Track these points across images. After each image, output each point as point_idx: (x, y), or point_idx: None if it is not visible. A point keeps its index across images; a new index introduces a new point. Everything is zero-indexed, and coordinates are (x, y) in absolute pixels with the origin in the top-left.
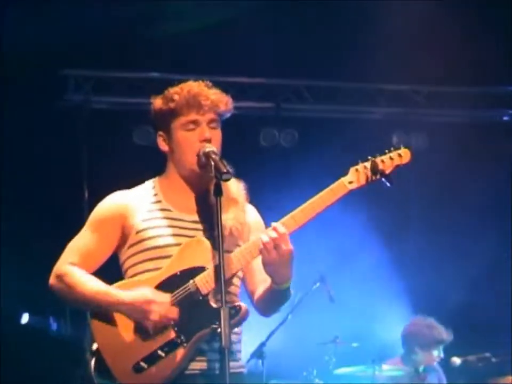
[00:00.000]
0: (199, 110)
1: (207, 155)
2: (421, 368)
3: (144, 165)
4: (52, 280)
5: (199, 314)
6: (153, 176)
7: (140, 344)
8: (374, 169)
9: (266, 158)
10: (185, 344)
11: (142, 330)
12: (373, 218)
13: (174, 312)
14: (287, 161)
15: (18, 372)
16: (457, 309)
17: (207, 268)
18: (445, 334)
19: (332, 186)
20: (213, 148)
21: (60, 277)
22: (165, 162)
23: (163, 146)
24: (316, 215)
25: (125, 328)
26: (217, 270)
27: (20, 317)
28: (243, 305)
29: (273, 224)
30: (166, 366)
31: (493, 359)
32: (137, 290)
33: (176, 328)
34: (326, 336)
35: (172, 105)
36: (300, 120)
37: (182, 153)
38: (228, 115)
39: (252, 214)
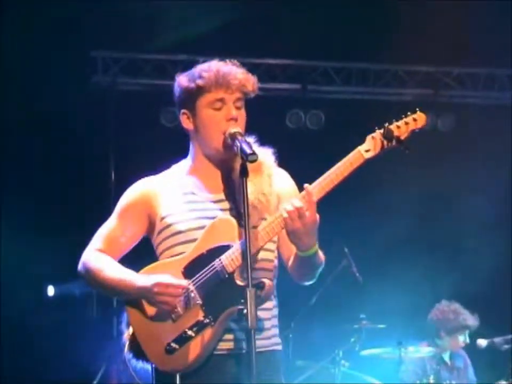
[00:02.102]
0: (227, 89)
1: (233, 136)
2: (447, 354)
3: (171, 146)
4: (79, 266)
5: (225, 293)
6: (179, 158)
7: (170, 326)
8: (389, 136)
9: (292, 139)
10: (213, 324)
11: (172, 312)
12: (399, 198)
13: (178, 290)
14: (313, 143)
15: (46, 351)
16: (484, 290)
17: (233, 246)
18: (471, 320)
19: (349, 157)
20: (239, 128)
21: (85, 264)
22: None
23: (187, 124)
24: (334, 187)
25: (154, 310)
26: (242, 247)
27: (45, 290)
28: (266, 281)
29: (300, 193)
30: (196, 346)
31: None
32: (155, 275)
33: (204, 308)
34: (352, 317)
35: (200, 82)
36: (327, 102)
37: (208, 132)
38: (253, 95)
39: (281, 180)
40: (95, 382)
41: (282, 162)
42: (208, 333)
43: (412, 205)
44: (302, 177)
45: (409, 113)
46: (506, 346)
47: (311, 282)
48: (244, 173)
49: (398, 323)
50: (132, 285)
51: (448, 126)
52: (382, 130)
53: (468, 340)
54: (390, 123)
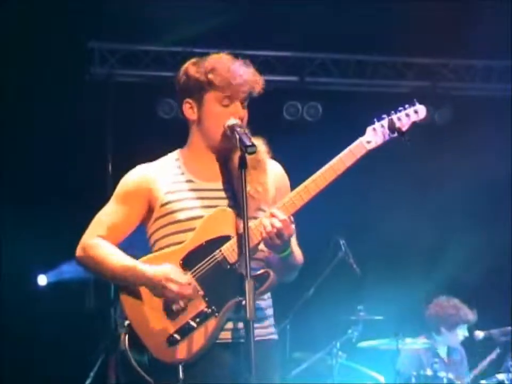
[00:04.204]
0: (238, 90)
1: (232, 128)
2: (444, 349)
3: (167, 138)
4: (79, 252)
5: (228, 284)
6: (176, 149)
7: (171, 317)
8: (391, 127)
9: (289, 131)
10: (216, 314)
11: (173, 303)
12: (396, 190)
13: (189, 290)
14: (310, 135)
15: (43, 342)
16: (481, 282)
17: (233, 237)
18: (470, 315)
19: (351, 147)
20: (238, 121)
21: (86, 250)
22: (187, 132)
23: (190, 114)
24: (336, 178)
25: (155, 301)
26: (241, 239)
27: (35, 279)
28: (271, 271)
29: (273, 211)
30: (199, 336)
31: None
32: (161, 266)
33: (206, 299)
34: (349, 309)
35: (212, 77)
36: (324, 94)
37: (213, 126)
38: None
39: (275, 171)
40: (92, 373)
41: (279, 153)
42: (211, 323)
43: (409, 197)
44: (298, 169)
45: (407, 105)
46: (503, 338)
47: (290, 280)
48: (243, 165)
49: (396, 315)
50: (140, 274)
51: (446, 118)
52: (383, 122)
53: (466, 333)
54: (390, 115)
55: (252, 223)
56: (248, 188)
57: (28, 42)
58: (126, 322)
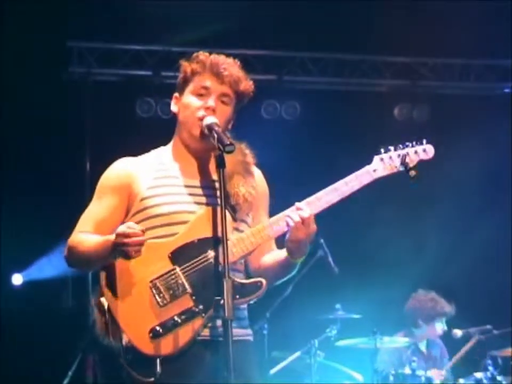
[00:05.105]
0: (216, 79)
1: (210, 127)
2: (423, 343)
3: (146, 136)
4: (65, 252)
5: (218, 285)
6: (154, 148)
7: (157, 310)
8: (401, 162)
9: (268, 130)
10: (203, 314)
11: (159, 296)
12: (374, 187)
13: (138, 238)
14: (288, 133)
15: (20, 341)
16: (459, 281)
17: (228, 239)
18: (448, 307)
19: (357, 174)
20: (215, 119)
21: (70, 247)
22: (172, 131)
23: (173, 107)
24: (339, 201)
25: (141, 292)
26: (234, 241)
27: (10, 279)
28: (264, 281)
29: (300, 204)
30: (184, 333)
31: (494, 331)
32: None
33: (194, 297)
34: (327, 307)
35: (194, 65)
36: (302, 92)
37: (185, 116)
38: (245, 99)
39: (258, 179)
40: (70, 372)
41: (257, 153)
42: (197, 322)
43: (388, 195)
44: (276, 168)
45: (414, 142)
46: (481, 337)
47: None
48: (221, 164)
49: (374, 313)
50: (108, 243)
51: (424, 116)
52: (391, 153)
53: (445, 327)
54: (396, 147)
55: (248, 231)
56: (243, 191)
57: (6, 41)
58: (106, 306)
